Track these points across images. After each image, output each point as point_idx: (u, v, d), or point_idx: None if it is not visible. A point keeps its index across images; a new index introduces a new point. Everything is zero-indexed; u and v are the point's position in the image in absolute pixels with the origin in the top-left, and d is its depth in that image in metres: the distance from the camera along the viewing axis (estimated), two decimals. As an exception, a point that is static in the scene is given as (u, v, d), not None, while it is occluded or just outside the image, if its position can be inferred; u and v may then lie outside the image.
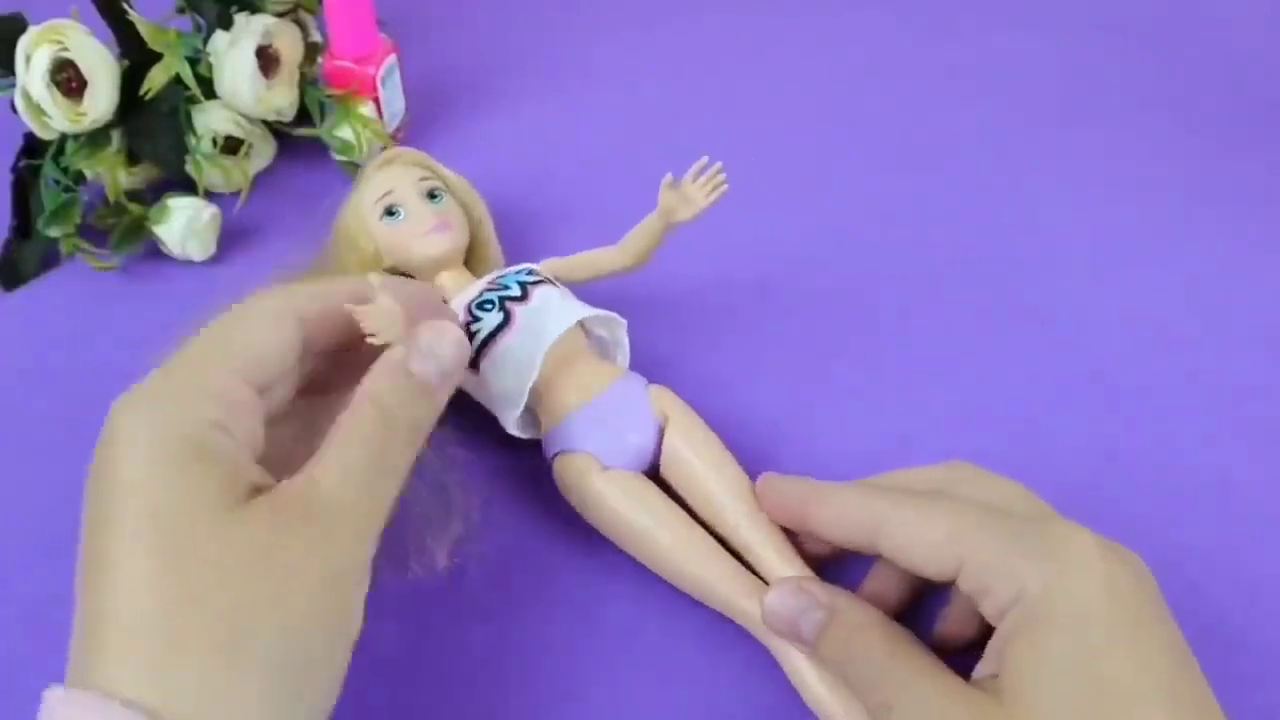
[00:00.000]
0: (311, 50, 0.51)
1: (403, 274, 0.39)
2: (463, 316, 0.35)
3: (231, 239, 0.47)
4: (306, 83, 0.51)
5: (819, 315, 0.45)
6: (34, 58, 0.43)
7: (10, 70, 0.44)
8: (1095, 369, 0.42)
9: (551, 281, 0.37)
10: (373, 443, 0.25)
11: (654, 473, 0.34)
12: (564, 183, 0.52)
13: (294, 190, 0.51)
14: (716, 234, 0.49)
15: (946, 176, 0.53)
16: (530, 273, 0.37)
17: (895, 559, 0.27)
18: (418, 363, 0.27)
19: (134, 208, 0.45)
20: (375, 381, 0.26)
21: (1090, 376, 0.42)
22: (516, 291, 0.35)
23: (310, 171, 0.51)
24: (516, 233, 0.46)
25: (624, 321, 0.37)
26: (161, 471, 0.22)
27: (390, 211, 0.38)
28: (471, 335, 0.35)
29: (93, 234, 0.46)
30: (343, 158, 0.50)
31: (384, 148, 0.50)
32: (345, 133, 0.49)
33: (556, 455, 0.34)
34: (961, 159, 0.54)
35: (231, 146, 0.49)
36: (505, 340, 0.34)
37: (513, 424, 0.35)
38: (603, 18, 0.66)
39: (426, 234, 0.38)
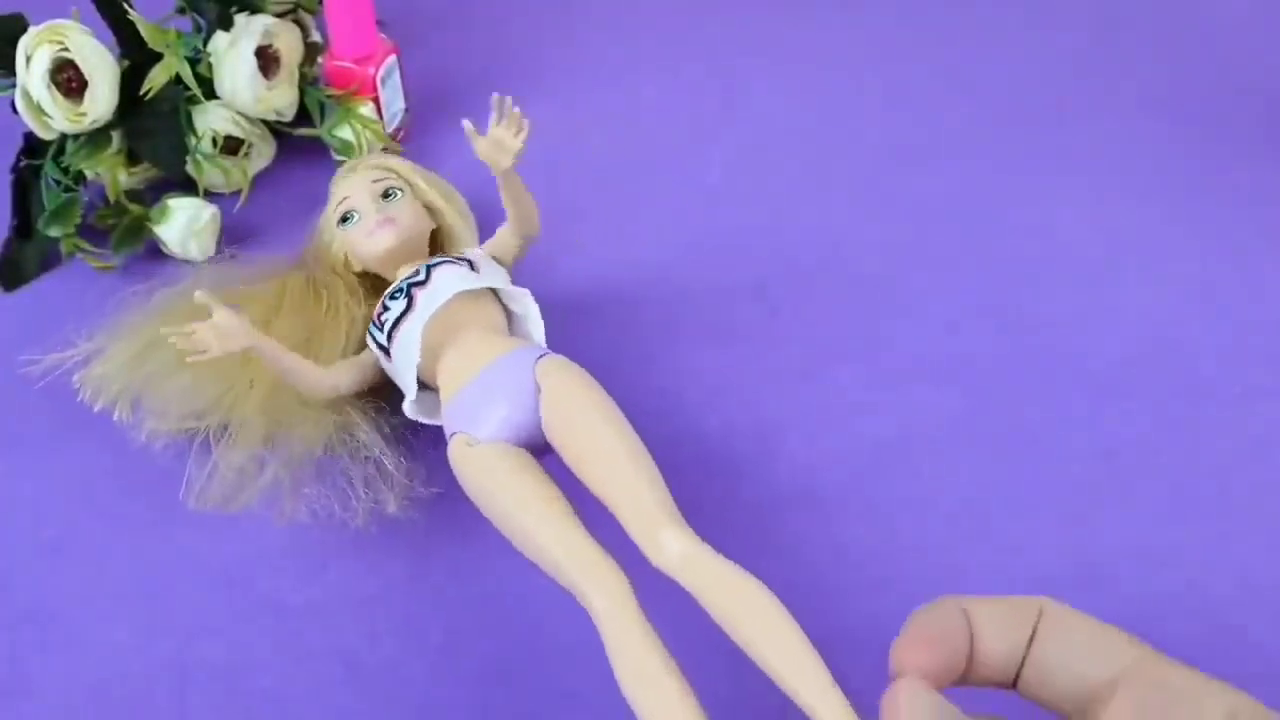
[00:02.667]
0: (311, 50, 0.51)
1: (374, 275, 0.41)
2: (377, 309, 0.37)
3: (231, 239, 0.47)
4: (306, 83, 0.51)
5: (819, 315, 0.45)
6: (34, 58, 0.43)
7: (11, 70, 0.44)
8: (1095, 368, 0.42)
9: (464, 262, 0.38)
10: None
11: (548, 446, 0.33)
12: (564, 182, 0.52)
13: (294, 190, 0.51)
14: (716, 233, 0.49)
15: (947, 176, 0.53)
16: (445, 259, 0.38)
17: (1047, 670, 0.23)
18: None
19: (134, 208, 0.45)
20: None
21: (1090, 375, 0.42)
22: (422, 276, 0.37)
23: (310, 171, 0.51)
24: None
25: (526, 292, 0.37)
26: None
27: (345, 218, 0.40)
28: (382, 325, 0.37)
29: (93, 234, 0.46)
30: (343, 158, 0.50)
31: (384, 148, 0.51)
32: (345, 133, 0.49)
33: (451, 437, 0.34)
34: (961, 159, 0.54)
35: (231, 147, 0.49)
36: (404, 324, 0.36)
37: (409, 407, 0.36)
38: (603, 18, 0.66)
39: (371, 232, 0.39)
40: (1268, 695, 0.32)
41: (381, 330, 0.37)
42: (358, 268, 0.41)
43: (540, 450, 0.33)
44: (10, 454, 0.39)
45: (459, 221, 0.43)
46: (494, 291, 0.38)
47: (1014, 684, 0.23)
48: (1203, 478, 0.38)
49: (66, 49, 0.43)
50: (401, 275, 0.39)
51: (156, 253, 0.46)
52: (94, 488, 0.37)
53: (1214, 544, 0.36)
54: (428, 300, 0.36)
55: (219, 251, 0.47)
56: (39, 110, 0.44)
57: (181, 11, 0.48)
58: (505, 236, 0.40)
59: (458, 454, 0.33)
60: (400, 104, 0.53)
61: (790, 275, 0.47)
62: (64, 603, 0.34)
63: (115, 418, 0.37)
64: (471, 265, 0.38)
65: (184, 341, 0.33)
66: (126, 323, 0.39)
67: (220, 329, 0.33)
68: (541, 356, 0.34)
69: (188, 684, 0.32)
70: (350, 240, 0.40)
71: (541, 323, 0.37)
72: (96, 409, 0.37)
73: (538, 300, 0.38)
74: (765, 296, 0.45)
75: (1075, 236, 0.49)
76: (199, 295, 0.33)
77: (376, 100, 0.50)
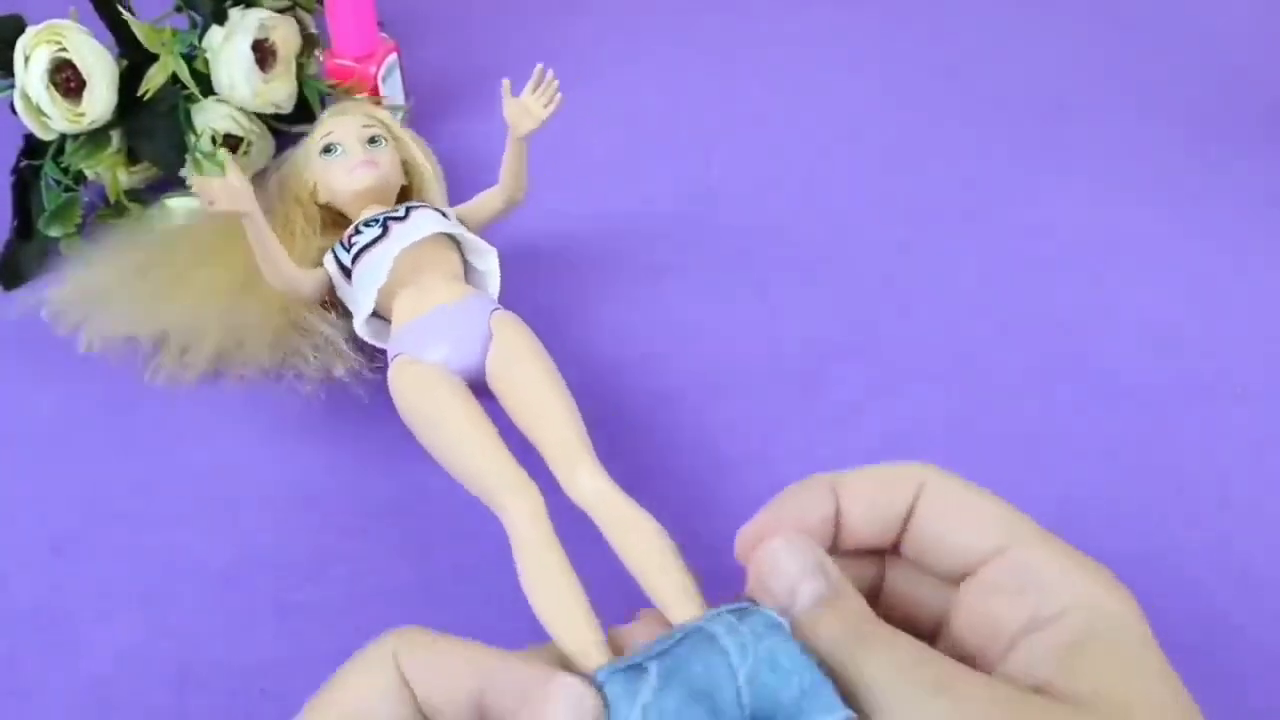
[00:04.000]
0: (309, 42, 0.51)
1: (336, 210, 0.42)
2: (349, 232, 0.39)
3: (231, 239, 0.47)
4: (305, 75, 0.50)
5: (819, 314, 0.45)
6: (33, 58, 0.43)
7: (9, 71, 0.44)
8: (1095, 368, 0.42)
9: (439, 211, 0.39)
10: None
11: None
12: (565, 180, 0.51)
13: (293, 190, 0.51)
14: (716, 232, 0.49)
15: (947, 175, 0.53)
16: (425, 205, 0.40)
17: (924, 541, 0.23)
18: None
19: (134, 207, 0.45)
20: None
21: (1090, 375, 0.42)
22: (400, 214, 0.39)
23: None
24: (516, 230, 0.46)
25: (493, 250, 0.39)
26: None
27: (328, 149, 0.42)
28: (350, 247, 0.38)
29: (93, 234, 0.46)
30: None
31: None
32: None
33: (394, 357, 0.36)
34: (961, 158, 0.54)
35: (230, 145, 0.49)
36: (375, 249, 0.37)
37: (361, 325, 0.37)
38: (603, 18, 0.66)
39: (352, 169, 0.41)
40: (1268, 695, 0.32)
41: (348, 251, 0.38)
42: (323, 199, 0.42)
43: (477, 393, 0.35)
44: (11, 453, 0.39)
45: (433, 182, 0.45)
46: (460, 246, 0.40)
47: (895, 551, 0.24)
48: (1203, 478, 0.38)
49: (65, 49, 0.43)
50: (366, 215, 0.40)
51: (156, 253, 0.46)
52: (94, 487, 0.37)
53: (1214, 544, 0.36)
54: (406, 232, 0.38)
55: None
56: (38, 110, 0.44)
57: (180, 10, 0.48)
58: (490, 197, 0.42)
59: (399, 371, 0.35)
60: (401, 101, 0.53)
61: (790, 275, 0.47)
62: (64, 603, 0.34)
63: (78, 340, 0.39)
64: (444, 216, 0.40)
65: (199, 185, 0.35)
66: (88, 254, 0.42)
67: (231, 188, 0.35)
68: (496, 309, 0.36)
69: (188, 684, 0.32)
70: (329, 171, 0.41)
71: (499, 281, 0.39)
72: (59, 332, 0.39)
73: (529, 303, 0.38)
74: (765, 296, 0.45)
75: (1075, 236, 0.49)
76: (223, 154, 0.36)
77: (378, 98, 0.50)
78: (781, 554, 0.22)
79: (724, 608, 0.22)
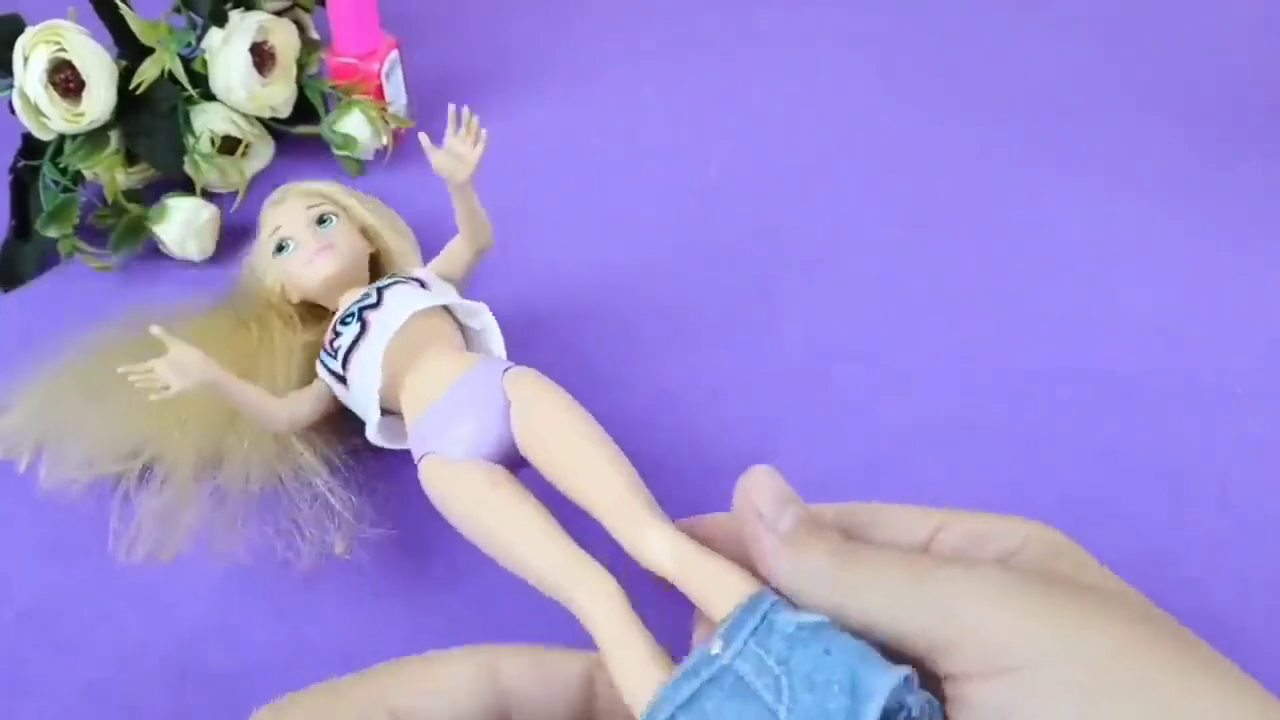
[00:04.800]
0: (310, 46, 0.51)
1: (315, 305, 0.40)
2: (329, 335, 0.36)
3: (231, 239, 0.47)
4: (306, 76, 0.50)
5: (819, 314, 0.45)
6: (31, 58, 0.43)
7: (8, 71, 0.44)
8: (1095, 368, 0.42)
9: (414, 280, 0.37)
10: None
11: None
12: (565, 180, 0.51)
13: (293, 190, 0.51)
14: (716, 232, 0.49)
15: (946, 175, 0.53)
16: (396, 279, 0.37)
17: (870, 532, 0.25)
18: None
19: (133, 208, 0.45)
20: None
21: (1090, 375, 0.42)
22: (373, 299, 0.36)
23: (310, 170, 0.51)
24: (517, 230, 0.46)
25: (483, 305, 0.36)
26: None
27: (280, 247, 0.39)
28: (335, 351, 0.35)
29: (91, 234, 0.46)
30: (344, 153, 0.50)
31: (396, 130, 0.51)
32: (346, 127, 0.49)
33: (421, 458, 0.32)
34: (961, 158, 0.54)
35: (229, 146, 0.49)
36: (361, 349, 0.34)
37: (373, 431, 0.34)
38: (604, 17, 0.66)
39: (310, 260, 0.38)
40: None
41: (335, 357, 0.35)
42: (296, 298, 0.40)
43: (515, 465, 0.32)
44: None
45: (398, 241, 0.42)
46: (449, 309, 0.37)
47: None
48: (1203, 478, 0.38)
49: (64, 49, 0.43)
50: (346, 301, 0.37)
51: (155, 253, 0.46)
52: (95, 486, 0.37)
53: (1214, 544, 0.36)
54: (383, 323, 0.34)
55: (218, 251, 0.47)
56: (36, 111, 0.44)
57: (179, 10, 0.48)
58: (457, 250, 0.39)
59: (431, 474, 0.31)
60: (403, 99, 0.53)
61: (790, 275, 0.47)
62: (64, 603, 0.34)
63: (20, 468, 0.36)
64: (422, 284, 0.37)
65: (143, 380, 0.31)
66: (38, 371, 0.38)
67: (177, 364, 0.32)
68: (507, 369, 0.33)
69: (188, 684, 0.32)
70: (288, 269, 0.39)
71: (500, 335, 0.36)
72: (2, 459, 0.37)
73: (529, 304, 0.37)
74: (765, 296, 0.45)
75: (1075, 235, 0.49)
76: (155, 330, 0.32)
77: (381, 96, 0.50)
78: (767, 479, 0.24)
79: (743, 622, 0.22)
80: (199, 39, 0.47)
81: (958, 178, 0.52)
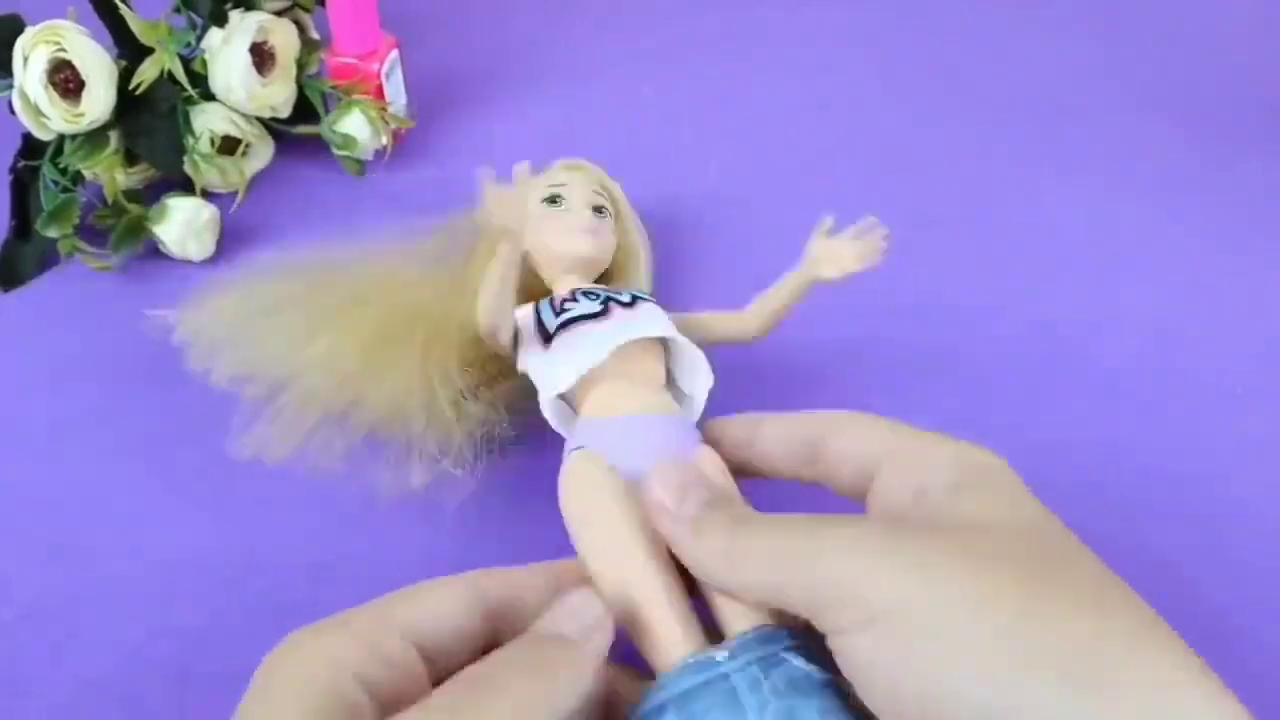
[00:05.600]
0: (310, 46, 0.51)
1: (525, 263, 0.37)
2: (563, 294, 0.34)
3: (231, 239, 0.47)
4: (306, 76, 0.50)
5: (818, 315, 0.45)
6: (31, 58, 0.43)
7: (8, 71, 0.44)
8: (1095, 368, 0.42)
9: (661, 306, 0.35)
10: (478, 672, 0.23)
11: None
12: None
13: (293, 190, 0.51)
14: (715, 232, 0.49)
15: (947, 176, 0.53)
16: (648, 297, 0.36)
17: (830, 464, 0.28)
18: (561, 624, 0.24)
19: (133, 208, 0.45)
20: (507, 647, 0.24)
21: (1090, 375, 0.42)
22: (627, 298, 0.34)
23: (310, 171, 0.51)
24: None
25: (711, 380, 0.34)
26: (272, 709, 0.22)
27: (554, 200, 0.38)
28: (561, 311, 0.33)
29: (91, 234, 0.46)
30: (344, 153, 0.50)
31: (396, 130, 0.51)
32: (346, 127, 0.49)
33: (576, 450, 0.31)
34: (961, 158, 0.54)
35: (229, 146, 0.49)
36: (589, 326, 0.33)
37: (548, 403, 0.32)
38: (604, 16, 0.66)
39: (575, 231, 0.37)
40: (1268, 696, 0.32)
41: (557, 316, 0.33)
42: (524, 246, 0.37)
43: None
44: (10, 453, 0.39)
45: (642, 271, 0.41)
46: (665, 357, 0.35)
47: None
48: (1202, 477, 0.38)
49: (64, 49, 0.43)
50: (574, 285, 0.36)
51: (155, 253, 0.46)
52: (95, 486, 0.37)
53: (1214, 544, 0.36)
54: (629, 322, 0.33)
55: (218, 251, 0.47)
56: (36, 111, 0.44)
57: (179, 10, 0.48)
58: (721, 324, 0.37)
59: (583, 468, 0.29)
60: (403, 99, 0.53)
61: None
62: (64, 603, 0.34)
63: (195, 364, 0.36)
64: (661, 306, 0.35)
65: (491, 197, 0.30)
66: (242, 283, 0.38)
67: (511, 201, 0.31)
68: (702, 444, 0.31)
69: (188, 684, 0.32)
70: (548, 221, 0.37)
71: (702, 406, 0.34)
72: (191, 356, 0.37)
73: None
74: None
75: (1075, 235, 0.49)
76: (520, 167, 0.31)
77: (381, 96, 0.50)
78: (671, 471, 0.27)
79: (753, 646, 0.24)
80: (199, 39, 0.47)
81: (958, 178, 0.52)
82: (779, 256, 0.48)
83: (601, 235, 0.38)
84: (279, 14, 0.50)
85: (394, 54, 0.51)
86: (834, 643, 0.22)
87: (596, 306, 0.33)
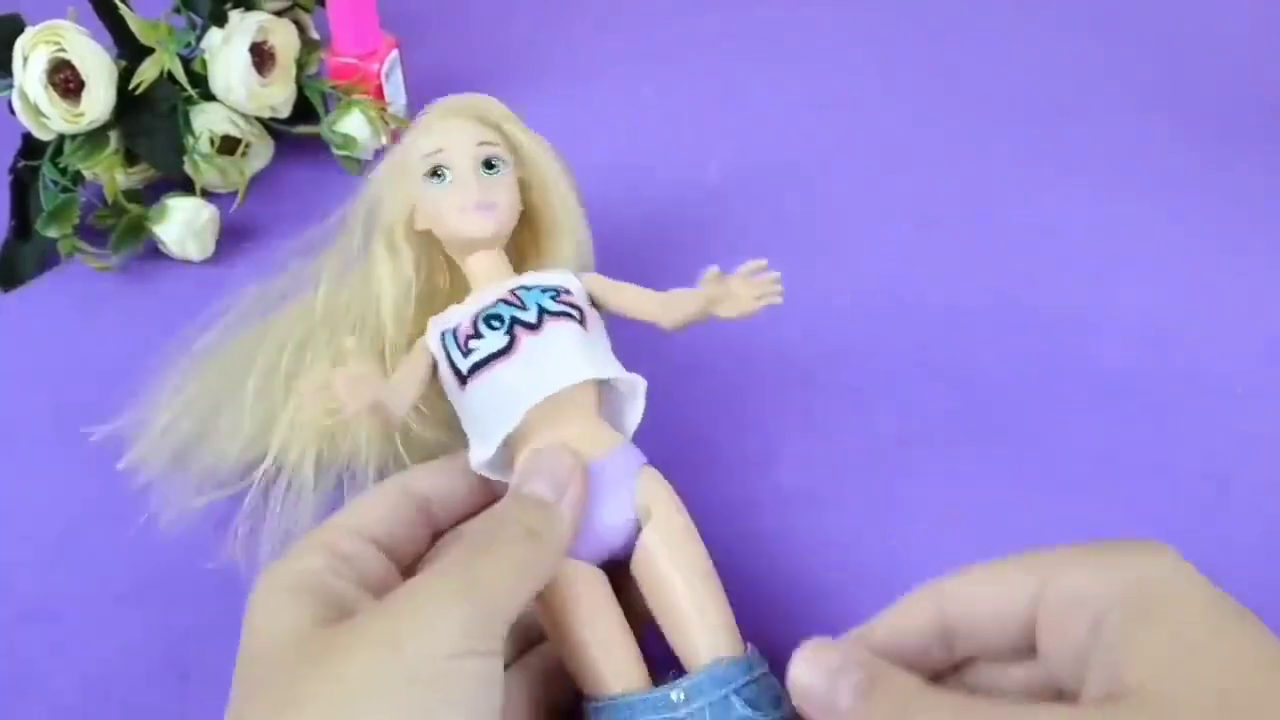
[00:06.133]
0: (309, 46, 0.51)
1: (434, 241, 0.34)
2: (466, 328, 0.31)
3: (230, 239, 0.47)
4: (306, 77, 0.50)
5: (818, 315, 0.45)
6: (31, 58, 0.43)
7: (8, 71, 0.44)
8: (1095, 367, 0.42)
9: (576, 313, 0.32)
10: (474, 538, 0.26)
11: (616, 563, 0.30)
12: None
13: (292, 190, 0.51)
14: (715, 232, 0.49)
15: (947, 176, 0.53)
16: (557, 294, 0.32)
17: (970, 628, 0.24)
18: (527, 484, 0.28)
19: (132, 208, 0.45)
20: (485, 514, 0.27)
21: (1091, 375, 0.42)
22: (532, 318, 0.31)
23: (309, 171, 0.51)
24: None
25: (644, 382, 0.32)
26: (267, 613, 0.25)
27: (436, 173, 0.33)
28: (468, 351, 0.30)
29: (91, 234, 0.46)
30: (343, 153, 0.50)
31: (396, 130, 0.50)
32: (346, 127, 0.49)
33: None
34: (961, 158, 0.54)
35: (229, 146, 0.49)
36: (500, 369, 0.30)
37: (479, 461, 0.30)
38: (604, 17, 0.66)
39: (465, 210, 0.32)
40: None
41: (465, 357, 0.30)
42: (422, 225, 0.34)
43: (612, 555, 0.29)
44: (10, 453, 0.39)
45: (567, 226, 0.36)
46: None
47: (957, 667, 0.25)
48: (1203, 478, 0.38)
49: (63, 49, 0.43)
50: (483, 270, 0.33)
51: (155, 253, 0.46)
52: (95, 485, 0.37)
53: (1214, 544, 0.36)
54: (538, 366, 0.30)
55: (217, 252, 0.47)
56: (36, 111, 0.44)
57: (179, 11, 0.48)
58: (642, 308, 0.34)
59: None
60: (403, 99, 0.53)
61: (789, 275, 0.46)
62: (64, 603, 0.34)
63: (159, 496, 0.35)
64: (581, 317, 0.32)
65: (316, 400, 0.27)
66: (166, 383, 0.36)
67: (358, 382, 0.27)
68: (643, 465, 0.30)
69: (188, 684, 0.32)
70: (436, 204, 0.33)
71: (640, 413, 0.32)
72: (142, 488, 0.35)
73: None
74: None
75: (1076, 235, 0.49)
76: (349, 343, 0.29)
77: (381, 96, 0.50)
78: (811, 656, 0.23)
79: (706, 688, 0.25)
80: (199, 39, 0.47)
81: (958, 178, 0.52)
82: (779, 256, 0.48)
83: (499, 204, 0.33)
84: (279, 14, 0.50)
85: (394, 54, 0.51)
86: None
87: (502, 340, 0.30)
